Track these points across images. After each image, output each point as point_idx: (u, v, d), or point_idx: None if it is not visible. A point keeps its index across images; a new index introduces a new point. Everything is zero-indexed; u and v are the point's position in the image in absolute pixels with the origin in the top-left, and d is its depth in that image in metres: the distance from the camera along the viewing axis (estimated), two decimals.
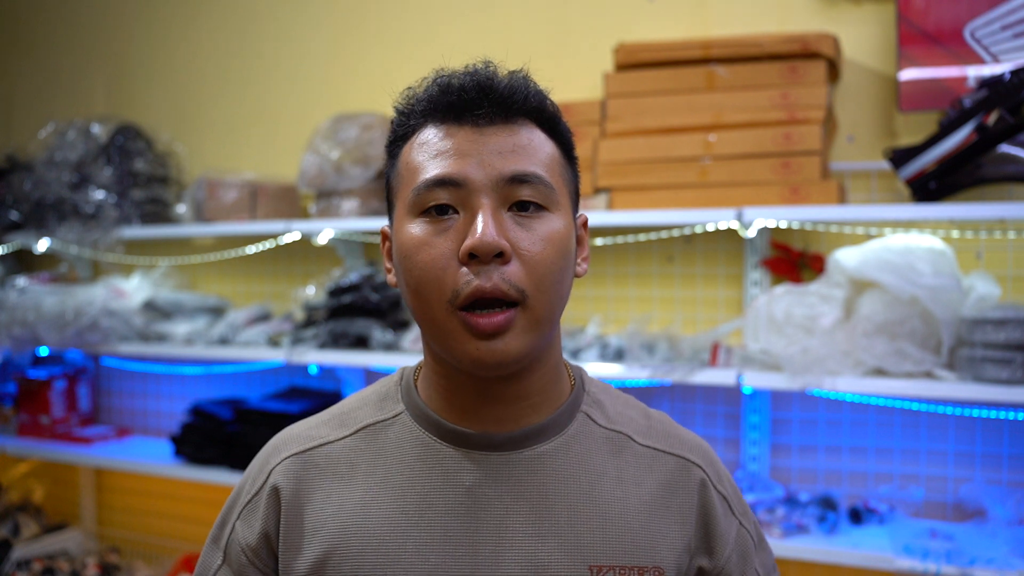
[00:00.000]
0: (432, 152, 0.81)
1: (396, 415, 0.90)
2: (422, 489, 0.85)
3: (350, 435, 0.91)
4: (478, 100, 0.81)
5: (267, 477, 0.91)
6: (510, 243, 0.78)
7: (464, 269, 0.78)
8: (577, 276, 0.88)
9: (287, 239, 2.65)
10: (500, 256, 0.77)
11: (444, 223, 0.80)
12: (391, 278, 0.88)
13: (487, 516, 0.84)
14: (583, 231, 0.91)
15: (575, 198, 0.89)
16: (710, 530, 0.90)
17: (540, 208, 0.81)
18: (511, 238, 0.79)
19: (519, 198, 0.80)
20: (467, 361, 0.80)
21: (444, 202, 0.80)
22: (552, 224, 0.81)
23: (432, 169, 0.80)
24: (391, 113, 0.90)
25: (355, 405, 0.94)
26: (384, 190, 0.90)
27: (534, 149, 0.82)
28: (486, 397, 0.85)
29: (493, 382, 0.84)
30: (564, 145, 0.88)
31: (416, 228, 0.81)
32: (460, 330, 0.79)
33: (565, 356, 2.19)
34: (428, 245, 0.79)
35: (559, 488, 0.86)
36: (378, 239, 2.16)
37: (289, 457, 0.91)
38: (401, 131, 0.86)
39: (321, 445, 0.91)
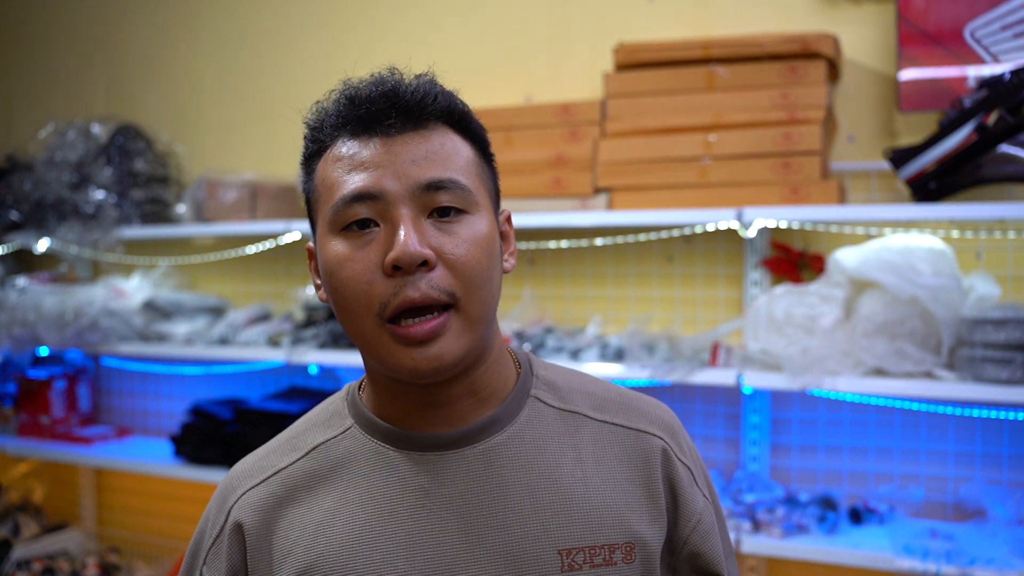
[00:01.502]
0: (347, 167, 0.81)
1: (346, 430, 0.90)
2: (382, 498, 0.85)
3: (302, 457, 0.90)
4: (387, 110, 0.81)
5: (227, 517, 0.89)
6: (433, 250, 0.78)
7: (389, 281, 0.78)
8: (505, 272, 0.88)
9: (287, 239, 2.65)
10: (424, 264, 0.77)
11: (366, 237, 0.80)
12: (321, 294, 0.87)
13: (448, 515, 0.84)
14: (507, 226, 0.91)
15: (495, 196, 0.89)
16: (676, 500, 0.90)
17: (460, 211, 0.81)
18: (434, 245, 0.79)
19: (438, 204, 0.80)
20: (404, 372, 0.79)
21: (364, 216, 0.79)
22: (474, 226, 0.81)
23: (349, 184, 0.80)
24: None
25: (303, 428, 0.94)
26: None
27: (447, 153, 0.82)
28: (432, 401, 0.85)
29: (436, 386, 0.84)
30: (479, 144, 0.87)
31: (338, 245, 0.81)
32: (391, 342, 0.79)
33: (565, 356, 2.20)
34: (351, 260, 0.79)
35: (518, 476, 0.85)
36: None
37: (246, 492, 0.90)
38: (314, 147, 0.86)
39: (275, 473, 0.90)
